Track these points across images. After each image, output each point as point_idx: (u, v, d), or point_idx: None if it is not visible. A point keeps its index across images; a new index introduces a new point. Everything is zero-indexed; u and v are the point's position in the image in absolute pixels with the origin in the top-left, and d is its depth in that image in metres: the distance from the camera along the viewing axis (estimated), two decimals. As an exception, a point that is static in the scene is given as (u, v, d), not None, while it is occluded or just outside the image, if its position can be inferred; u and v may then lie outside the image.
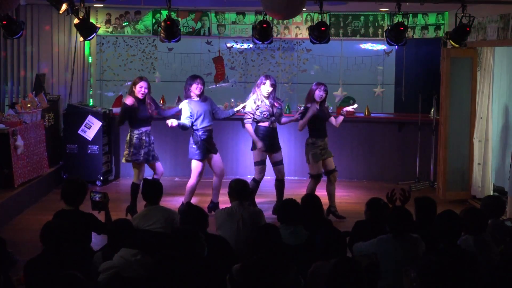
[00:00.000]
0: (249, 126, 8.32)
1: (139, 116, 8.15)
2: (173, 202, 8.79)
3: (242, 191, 6.06)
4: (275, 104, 8.28)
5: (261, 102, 8.20)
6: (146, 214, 5.92)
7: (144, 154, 8.16)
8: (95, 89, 11.26)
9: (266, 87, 8.19)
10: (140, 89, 8.12)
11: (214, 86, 11.67)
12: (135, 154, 8.15)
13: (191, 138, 8.25)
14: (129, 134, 8.22)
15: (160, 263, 4.41)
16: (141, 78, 8.24)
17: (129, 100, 8.12)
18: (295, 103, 11.27)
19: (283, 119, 8.53)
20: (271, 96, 8.23)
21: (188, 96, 8.21)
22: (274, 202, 8.65)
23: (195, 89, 8.14)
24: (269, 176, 10.62)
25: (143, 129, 8.18)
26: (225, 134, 10.44)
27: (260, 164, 8.31)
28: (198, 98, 8.20)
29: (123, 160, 8.33)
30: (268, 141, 8.26)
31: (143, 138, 8.15)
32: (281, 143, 9.81)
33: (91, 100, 10.97)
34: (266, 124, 8.24)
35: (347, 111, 8.60)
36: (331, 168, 8.28)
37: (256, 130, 8.30)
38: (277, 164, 8.39)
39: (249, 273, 4.40)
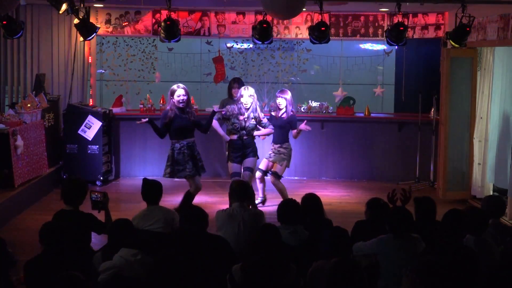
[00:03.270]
0: (215, 123, 8.49)
1: (174, 126, 7.98)
2: (173, 202, 8.79)
3: (243, 193, 6.06)
4: (252, 117, 8.32)
5: (237, 116, 8.29)
6: (146, 214, 5.91)
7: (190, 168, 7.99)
8: (95, 89, 11.25)
9: (244, 98, 8.29)
10: (178, 98, 8.00)
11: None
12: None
13: None
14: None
15: (160, 263, 4.41)
16: (178, 86, 8.08)
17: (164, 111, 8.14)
18: (295, 103, 11.24)
19: (255, 132, 8.52)
20: (252, 108, 8.31)
21: (232, 96, 9.33)
22: (274, 202, 8.63)
23: (234, 93, 9.18)
24: (268, 176, 10.61)
25: (184, 141, 7.99)
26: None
27: (234, 175, 8.31)
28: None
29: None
30: (240, 153, 8.37)
31: (185, 151, 7.99)
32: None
33: (91, 100, 10.97)
34: (234, 137, 8.34)
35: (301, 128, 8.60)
36: (271, 169, 8.67)
37: (229, 142, 8.49)
38: (244, 170, 8.43)
39: (249, 273, 4.40)
